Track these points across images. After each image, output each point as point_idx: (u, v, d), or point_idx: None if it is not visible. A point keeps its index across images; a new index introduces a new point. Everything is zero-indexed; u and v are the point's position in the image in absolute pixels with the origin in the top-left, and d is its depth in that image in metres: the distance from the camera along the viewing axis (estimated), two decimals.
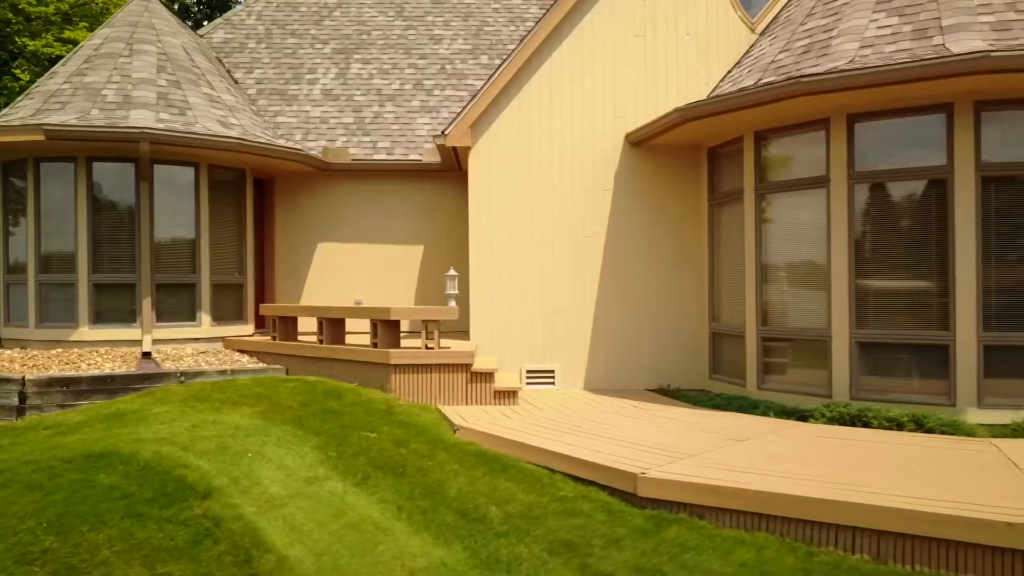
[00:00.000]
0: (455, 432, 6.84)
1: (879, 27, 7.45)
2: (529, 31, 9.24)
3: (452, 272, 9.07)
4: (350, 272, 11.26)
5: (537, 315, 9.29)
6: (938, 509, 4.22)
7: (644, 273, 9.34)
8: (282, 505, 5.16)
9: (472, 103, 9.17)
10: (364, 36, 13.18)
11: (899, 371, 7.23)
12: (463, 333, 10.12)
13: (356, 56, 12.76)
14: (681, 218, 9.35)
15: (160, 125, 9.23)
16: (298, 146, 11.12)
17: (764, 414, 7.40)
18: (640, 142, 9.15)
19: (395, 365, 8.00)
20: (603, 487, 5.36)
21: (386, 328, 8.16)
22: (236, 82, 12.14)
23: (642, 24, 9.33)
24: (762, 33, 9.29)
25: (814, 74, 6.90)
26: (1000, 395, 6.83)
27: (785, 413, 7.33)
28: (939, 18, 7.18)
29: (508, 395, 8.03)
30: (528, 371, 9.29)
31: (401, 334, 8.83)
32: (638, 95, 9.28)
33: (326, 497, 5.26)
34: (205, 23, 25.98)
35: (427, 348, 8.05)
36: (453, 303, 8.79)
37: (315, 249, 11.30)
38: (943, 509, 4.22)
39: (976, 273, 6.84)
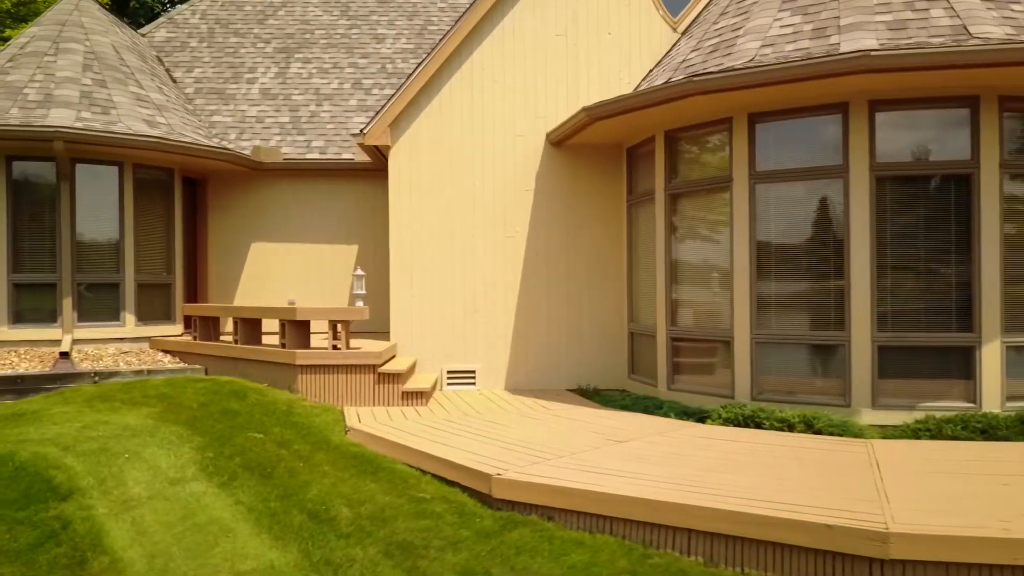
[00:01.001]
0: (346, 433, 6.80)
1: (782, 26, 7.41)
2: (448, 30, 9.20)
3: (359, 272, 9.03)
4: (284, 272, 11.21)
5: (458, 315, 9.25)
6: (765, 511, 4.19)
7: (566, 273, 9.30)
8: (137, 506, 5.12)
9: (391, 102, 9.13)
10: (307, 35, 13.14)
11: (798, 372, 7.20)
12: (387, 334, 10.08)
13: (297, 55, 12.72)
14: (602, 218, 9.31)
15: (78, 124, 9.18)
16: (231, 145, 11.08)
17: (666, 415, 7.36)
18: (560, 142, 9.11)
19: (301, 366, 7.96)
20: (465, 488, 5.33)
21: (294, 328, 8.12)
22: (175, 81, 12.09)
23: (563, 23, 9.30)
24: (684, 32, 9.25)
25: (706, 73, 6.87)
26: (894, 396, 6.80)
27: (686, 414, 7.30)
28: (839, 17, 7.15)
29: (417, 396, 7.99)
30: (449, 372, 9.25)
31: (317, 335, 8.79)
32: (559, 95, 9.25)
33: (184, 498, 5.22)
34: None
35: (334, 348, 8.00)
36: (361, 303, 8.74)
37: (249, 249, 11.25)
38: (770, 511, 4.18)
39: (870, 272, 6.81)
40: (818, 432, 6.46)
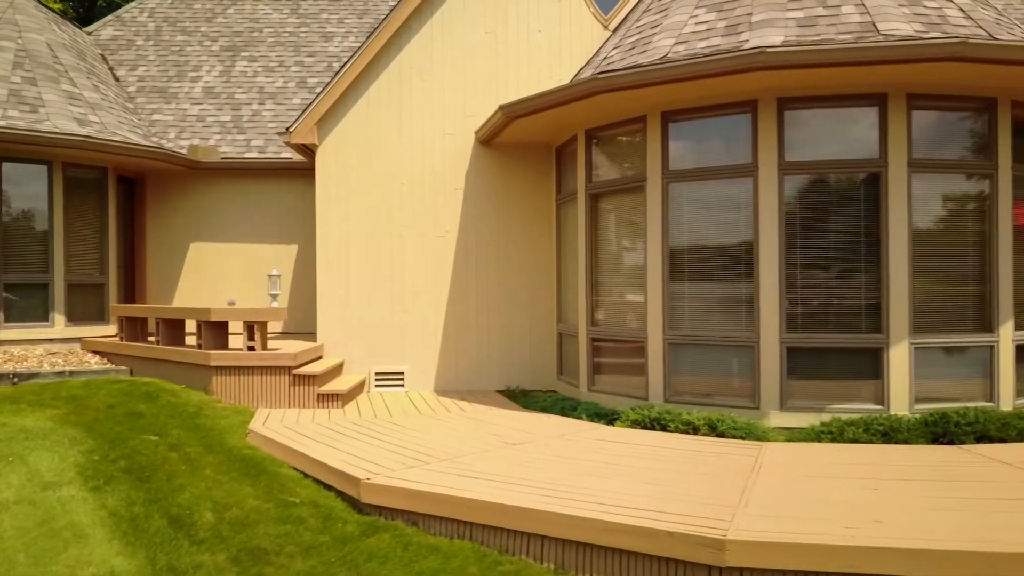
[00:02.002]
0: (247, 436, 6.70)
1: (697, 23, 7.32)
2: (376, 27, 9.10)
3: (275, 272, 8.93)
4: (224, 272, 11.11)
5: (387, 316, 9.15)
6: (612, 517, 4.09)
7: (496, 273, 9.21)
8: (1, 511, 5.01)
9: (317, 100, 9.03)
10: (255, 33, 13.03)
11: (711, 373, 7.11)
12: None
13: (244, 53, 12.61)
14: (534, 218, 9.22)
15: (2, 123, 9.07)
16: (169, 144, 10.97)
17: (578, 416, 7.26)
18: (487, 141, 9.01)
19: (216, 367, 7.86)
20: (339, 493, 5.24)
21: (210, 329, 8.01)
22: (117, 80, 11.98)
23: (493, 21, 9.20)
24: (614, 30, 9.15)
25: (610, 70, 6.77)
26: (803, 398, 6.70)
27: (599, 415, 7.19)
28: (751, 14, 7.05)
29: (333, 398, 7.89)
30: (377, 374, 9.14)
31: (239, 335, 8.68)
32: (488, 93, 9.14)
33: (50, 503, 5.11)
34: None
35: (249, 350, 7.90)
36: (276, 303, 8.63)
37: (188, 249, 11.15)
38: (617, 518, 4.08)
39: (779, 273, 6.71)
40: (721, 435, 6.36)
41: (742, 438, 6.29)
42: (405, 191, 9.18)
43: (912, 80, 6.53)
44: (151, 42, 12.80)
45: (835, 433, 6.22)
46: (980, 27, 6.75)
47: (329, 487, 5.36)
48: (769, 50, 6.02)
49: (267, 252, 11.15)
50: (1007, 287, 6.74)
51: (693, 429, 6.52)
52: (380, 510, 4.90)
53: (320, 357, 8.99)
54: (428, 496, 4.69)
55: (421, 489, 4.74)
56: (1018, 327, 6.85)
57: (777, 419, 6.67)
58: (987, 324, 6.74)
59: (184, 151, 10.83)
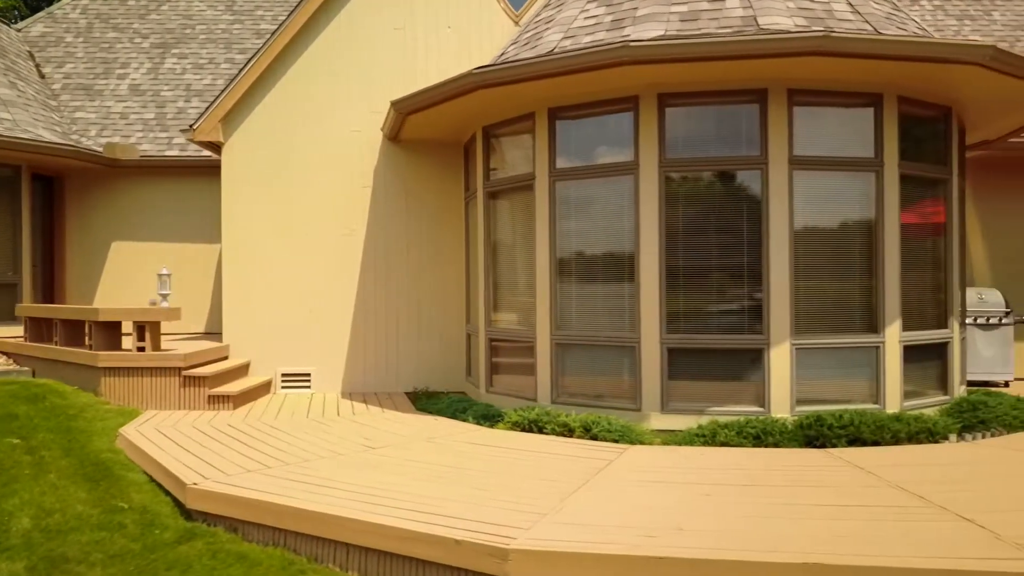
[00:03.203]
0: (117, 439, 6.55)
1: (586, 17, 7.18)
2: (282, 23, 8.96)
3: (165, 271, 8.77)
4: (148, 272, 10.91)
5: (294, 316, 9.00)
6: (409, 525, 3.95)
7: (405, 272, 9.07)
8: None
9: (221, 96, 8.89)
10: (188, 30, 12.89)
11: (597, 375, 6.98)
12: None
13: (174, 51, 12.46)
14: (443, 216, 9.08)
15: None
16: (89, 142, 10.82)
17: (465, 419, 7.11)
18: (394, 138, 8.86)
19: (104, 368, 7.72)
20: (174, 497, 5.10)
21: (100, 330, 7.86)
22: (43, 76, 11.83)
23: (402, 17, 9.06)
24: (523, 26, 9.01)
25: (483, 67, 6.63)
26: (685, 400, 6.58)
27: (485, 417, 7.04)
28: (637, 8, 6.92)
29: (224, 400, 7.74)
30: (284, 375, 9.00)
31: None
32: (396, 90, 8.94)
33: None
34: None
35: (138, 350, 7.75)
36: (166, 303, 8.49)
37: (110, 248, 11.01)
38: (415, 526, 3.95)
39: (659, 272, 6.57)
40: (595, 438, 6.23)
41: (615, 441, 6.15)
42: (313, 188, 9.03)
43: (792, 75, 6.39)
44: (81, 39, 12.64)
45: (708, 436, 6.09)
46: (867, 22, 6.63)
47: (168, 492, 5.22)
48: (632, 44, 5.89)
49: (191, 251, 11.02)
50: (893, 287, 6.61)
51: (569, 431, 6.38)
52: (205, 516, 4.76)
53: (226, 358, 8.84)
54: (246, 502, 4.55)
55: (240, 495, 4.60)
56: (906, 328, 6.73)
57: (658, 421, 6.54)
58: (873, 325, 6.61)
59: (100, 149, 10.68)
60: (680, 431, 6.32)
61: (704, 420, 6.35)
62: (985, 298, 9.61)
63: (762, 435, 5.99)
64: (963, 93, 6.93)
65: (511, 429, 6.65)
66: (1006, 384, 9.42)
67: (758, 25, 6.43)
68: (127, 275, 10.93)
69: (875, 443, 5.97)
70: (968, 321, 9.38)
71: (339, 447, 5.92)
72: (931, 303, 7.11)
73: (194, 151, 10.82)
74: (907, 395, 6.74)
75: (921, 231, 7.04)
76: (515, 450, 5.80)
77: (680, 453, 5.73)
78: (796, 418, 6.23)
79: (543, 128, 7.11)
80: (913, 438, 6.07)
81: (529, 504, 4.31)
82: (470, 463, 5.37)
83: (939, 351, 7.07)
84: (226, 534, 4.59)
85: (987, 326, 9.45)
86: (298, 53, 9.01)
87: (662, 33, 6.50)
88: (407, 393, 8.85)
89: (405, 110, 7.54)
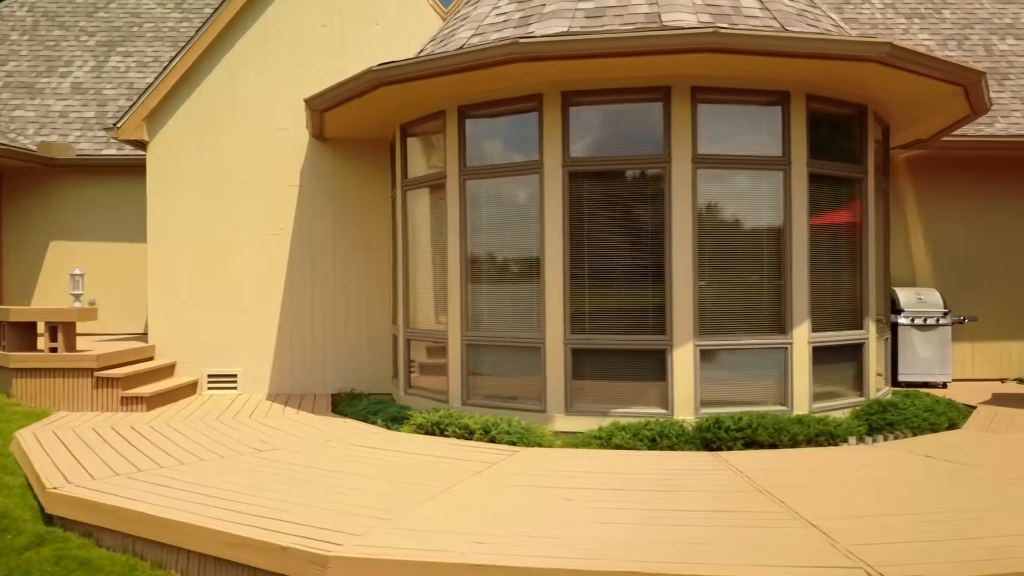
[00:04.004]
0: (11, 443, 6.45)
1: (498, 14, 7.08)
2: (206, 19, 8.85)
3: (78, 271, 8.66)
4: (86, 272, 10.83)
5: (221, 316, 8.90)
6: (237, 531, 3.86)
7: (332, 272, 8.97)
8: None
9: (145, 94, 8.78)
10: (135, 28, 12.78)
11: (505, 376, 6.90)
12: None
13: (119, 49, 12.36)
14: (372, 215, 8.98)
15: None
16: (26, 141, 10.71)
17: (374, 421, 7.02)
18: (319, 136, 8.76)
19: (16, 369, 7.61)
20: (40, 502, 5.00)
21: (13, 330, 7.77)
22: None
23: (329, 14, 8.96)
24: (444, 24, 8.92)
25: (384, 64, 6.52)
26: (590, 401, 6.49)
27: (394, 420, 6.94)
28: (544, 4, 6.82)
29: (137, 401, 7.64)
30: (210, 376, 8.90)
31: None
32: (323, 87, 8.87)
33: None
34: None
35: (51, 351, 7.65)
36: (79, 304, 8.38)
37: (47, 248, 10.91)
38: (245, 530, 3.85)
39: (563, 271, 6.48)
40: (493, 440, 6.14)
41: (513, 444, 6.06)
42: (239, 187, 8.93)
43: (695, 73, 6.31)
44: (26, 37, 12.54)
45: (604, 438, 6.01)
46: (774, 18, 6.54)
47: (36, 496, 5.12)
48: (521, 41, 5.79)
49: (131, 251, 10.89)
50: (802, 288, 6.52)
51: (469, 434, 6.29)
52: (64, 521, 4.66)
53: (151, 358, 8.75)
54: (99, 507, 4.45)
55: (95, 500, 4.50)
56: (816, 329, 6.64)
57: (562, 423, 6.45)
58: (780, 326, 6.52)
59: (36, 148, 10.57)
60: (582, 433, 6.24)
61: (607, 422, 6.26)
62: (924, 299, 9.54)
63: (658, 438, 5.91)
64: (876, 91, 6.84)
65: (415, 432, 6.56)
66: (944, 385, 9.35)
67: (661, 22, 6.34)
68: (65, 275, 10.80)
69: (772, 446, 5.90)
70: (906, 322, 9.32)
71: (228, 450, 5.83)
72: (845, 304, 7.02)
73: (131, 150, 10.70)
74: (819, 397, 6.66)
75: (834, 231, 6.96)
76: (405, 453, 5.71)
77: (568, 456, 5.64)
78: (697, 420, 6.14)
79: (453, 126, 7.02)
80: (812, 441, 6.00)
81: (381, 509, 4.22)
82: (349, 467, 5.28)
83: (853, 352, 6.99)
84: (78, 540, 4.49)
85: (925, 327, 9.38)
86: (224, 50, 8.91)
87: (565, 30, 6.41)
88: (333, 395, 8.76)
89: (317, 108, 7.45)
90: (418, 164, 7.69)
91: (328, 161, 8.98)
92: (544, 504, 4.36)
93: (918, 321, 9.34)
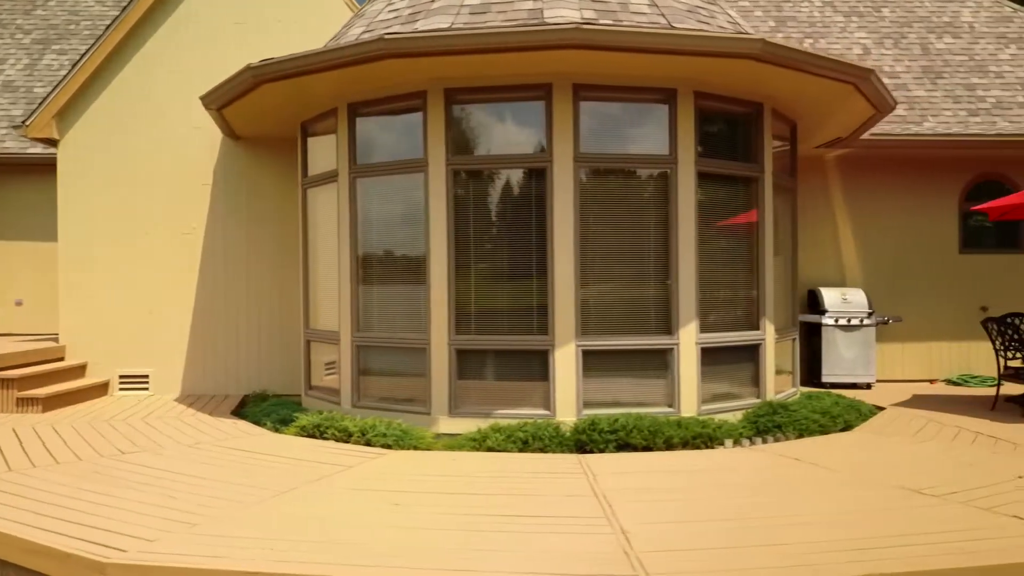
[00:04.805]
0: None
1: (390, 10, 6.99)
2: (117, 16, 8.76)
3: None
4: (13, 272, 10.81)
5: (133, 316, 8.80)
6: (33, 536, 3.76)
7: (246, 272, 8.87)
8: None
9: (55, 92, 8.68)
10: (72, 26, 12.68)
11: (392, 377, 6.81)
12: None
13: (55, 47, 12.26)
14: (283, 215, 8.88)
15: None
16: None
17: (263, 424, 6.92)
18: (230, 134, 8.65)
19: None
20: None
21: None
22: None
23: (243, 11, 8.86)
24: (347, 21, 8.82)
25: (263, 61, 6.43)
26: (472, 403, 6.41)
27: (282, 422, 6.83)
28: (433, 0, 6.73)
29: (33, 402, 7.55)
30: (121, 376, 8.80)
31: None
32: None
33: None
34: None
35: None
36: None
37: None
38: (38, 536, 3.76)
39: (448, 271, 6.40)
40: (369, 443, 6.05)
41: (387, 447, 5.97)
42: (152, 186, 8.83)
43: (578, 70, 6.22)
44: None
45: (479, 441, 5.92)
46: (662, 15, 6.46)
47: None
48: (387, 37, 5.70)
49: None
50: (689, 288, 6.44)
51: (347, 436, 6.20)
52: None
53: (61, 359, 8.66)
54: None
55: None
56: (706, 330, 6.56)
57: (446, 425, 6.36)
58: (667, 327, 6.44)
59: None
60: (461, 435, 6.15)
61: (489, 424, 6.17)
62: (849, 299, 9.45)
63: (531, 440, 5.82)
64: (771, 88, 6.76)
65: (298, 434, 6.47)
66: (868, 386, 9.26)
67: (543, 18, 6.25)
68: None
69: (647, 448, 5.81)
70: (830, 322, 9.24)
71: (92, 453, 5.73)
72: (740, 305, 6.94)
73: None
74: (711, 398, 6.59)
75: (727, 230, 6.87)
76: (268, 456, 5.62)
77: (432, 459, 5.54)
78: (575, 422, 6.05)
79: (344, 124, 6.93)
80: (689, 444, 5.91)
81: (196, 514, 4.13)
82: (200, 470, 5.18)
83: (749, 354, 6.90)
84: None
85: (849, 327, 9.29)
86: (136, 47, 8.81)
87: (447, 26, 6.32)
88: (246, 396, 8.66)
89: (211, 106, 7.36)
90: (316, 162, 7.60)
91: (242, 160, 8.88)
92: (370, 509, 4.27)
93: (842, 321, 9.26)
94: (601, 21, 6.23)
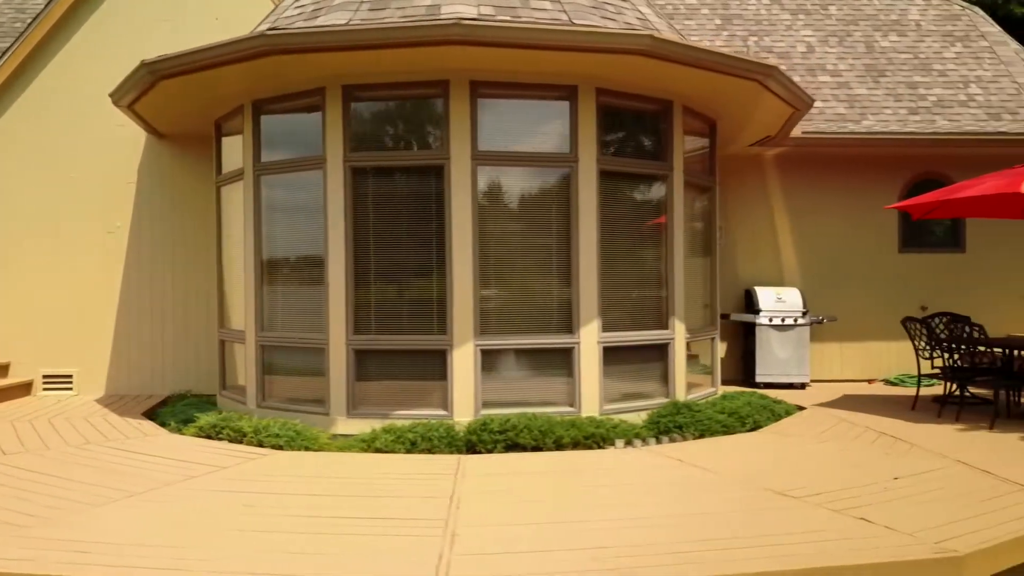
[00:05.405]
0: None
1: (297, 7, 6.89)
2: (39, 12, 8.69)
3: None
4: None
5: (57, 315, 8.73)
6: None
7: (172, 271, 8.80)
8: None
9: None
10: (18, 24, 12.59)
11: (295, 377, 6.74)
12: None
13: (2, 44, 12.17)
14: (208, 213, 8.77)
15: None
16: None
17: (167, 424, 6.85)
18: (154, 132, 8.58)
19: None
20: None
21: None
22: None
23: (168, 9, 8.80)
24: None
25: (159, 57, 6.35)
26: (371, 403, 6.35)
27: (185, 423, 6.74)
28: None
29: None
30: (45, 376, 8.73)
31: None
32: None
33: None
34: None
35: None
36: None
37: None
38: None
39: (346, 270, 6.33)
40: (260, 444, 5.97)
41: (279, 447, 5.90)
42: (77, 185, 8.76)
43: (476, 67, 6.16)
44: None
45: (368, 442, 5.85)
46: (564, 11, 6.38)
47: None
48: (268, 33, 5.63)
49: None
50: (590, 287, 6.37)
51: (241, 436, 6.12)
52: None
53: None
54: None
55: None
56: (608, 329, 6.49)
57: (344, 426, 6.29)
58: (568, 325, 6.37)
59: None
60: (356, 435, 6.08)
61: (384, 424, 6.10)
62: (783, 298, 9.39)
63: (420, 440, 5.75)
64: (680, 86, 6.69)
65: (196, 435, 6.40)
66: (803, 386, 9.20)
67: (440, 14, 6.18)
68: None
69: (536, 449, 5.74)
70: (764, 322, 9.18)
71: None
72: (649, 304, 6.87)
73: None
74: (616, 398, 6.54)
75: (632, 229, 6.80)
76: (152, 457, 5.55)
77: (315, 460, 5.47)
78: (469, 423, 5.99)
79: (248, 121, 6.87)
80: (580, 444, 5.85)
81: (35, 517, 4.06)
82: (69, 471, 5.11)
83: (657, 353, 6.83)
84: None
85: (783, 327, 9.23)
86: (60, 44, 8.75)
87: (344, 22, 6.25)
88: (168, 396, 8.58)
89: (119, 102, 7.29)
90: (229, 160, 7.53)
91: (166, 158, 8.81)
92: (217, 511, 4.20)
93: (776, 321, 9.20)
94: (498, 17, 6.15)
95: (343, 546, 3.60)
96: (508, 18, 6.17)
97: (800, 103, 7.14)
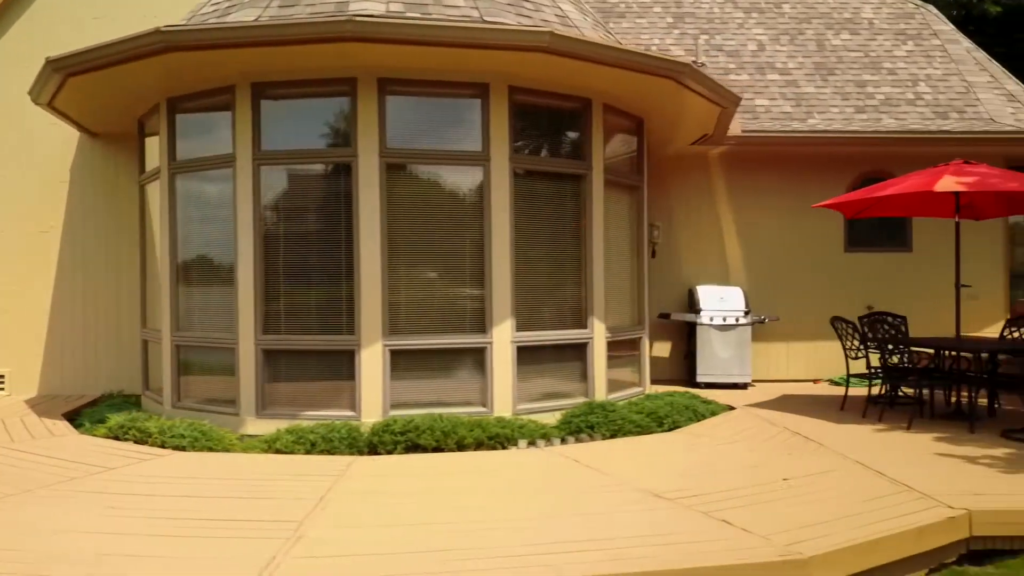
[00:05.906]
0: None
1: (212, 4, 6.84)
2: None
3: None
4: None
5: None
6: None
7: (105, 270, 8.71)
8: None
9: None
10: None
11: (209, 377, 6.69)
12: None
13: None
14: (137, 212, 8.74)
15: None
16: None
17: (81, 425, 6.78)
18: (86, 131, 8.51)
19: None
20: None
21: None
22: None
23: (103, 6, 8.72)
24: None
25: (65, 53, 6.28)
26: (279, 404, 6.30)
27: (99, 423, 6.67)
28: None
29: None
30: None
31: None
32: None
33: None
34: None
35: None
36: None
37: None
38: None
39: (254, 269, 6.27)
40: (163, 445, 5.90)
41: (182, 448, 5.83)
42: (7, 184, 8.68)
43: (384, 64, 6.10)
44: None
45: (270, 443, 5.79)
46: (476, 8, 6.32)
47: None
48: (163, 30, 5.57)
49: None
50: (502, 285, 6.32)
51: (147, 437, 6.05)
52: None
53: None
54: None
55: None
56: (522, 328, 6.43)
57: (253, 426, 6.24)
58: (480, 325, 6.31)
59: None
60: (262, 436, 6.02)
61: (290, 425, 6.03)
62: (725, 298, 9.34)
63: (320, 441, 5.69)
64: (599, 84, 6.63)
65: (105, 435, 6.32)
66: (745, 386, 9.15)
67: (348, 11, 6.11)
68: None
69: (437, 450, 5.68)
70: (706, 321, 9.12)
71: None
72: (567, 303, 6.81)
73: None
74: (535, 397, 6.50)
75: (550, 228, 6.73)
76: (45, 458, 5.48)
77: (211, 461, 5.41)
78: (374, 423, 5.93)
79: (164, 119, 6.82)
80: (484, 444, 5.79)
81: None
82: None
83: (575, 353, 6.78)
84: None
85: (725, 327, 9.17)
86: None
87: (254, 19, 6.19)
88: (100, 396, 8.51)
89: (35, 100, 7.23)
90: (150, 158, 7.48)
91: (100, 157, 8.75)
92: (76, 512, 4.14)
93: (717, 321, 9.14)
94: (407, 14, 6.09)
95: (183, 548, 3.54)
96: (417, 15, 6.11)
97: (725, 100, 7.09)
